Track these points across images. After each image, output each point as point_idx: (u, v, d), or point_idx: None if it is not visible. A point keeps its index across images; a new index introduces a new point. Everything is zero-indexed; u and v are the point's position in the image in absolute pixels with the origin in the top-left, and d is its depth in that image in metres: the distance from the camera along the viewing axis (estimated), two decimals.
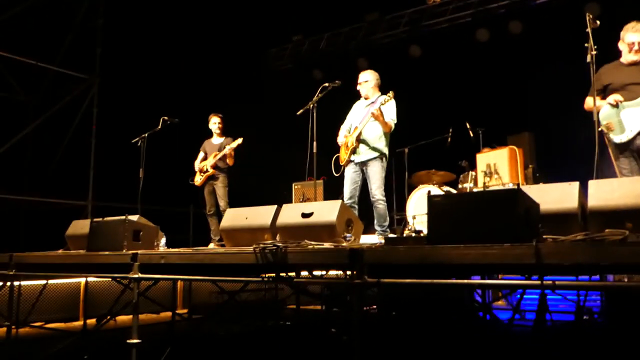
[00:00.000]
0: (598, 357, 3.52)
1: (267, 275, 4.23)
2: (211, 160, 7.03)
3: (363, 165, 5.54)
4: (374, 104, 5.50)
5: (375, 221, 5.45)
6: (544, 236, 3.00)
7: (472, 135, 7.44)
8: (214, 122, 7.23)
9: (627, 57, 4.63)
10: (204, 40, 9.45)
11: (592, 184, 3.19)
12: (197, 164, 7.21)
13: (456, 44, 8.89)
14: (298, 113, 5.63)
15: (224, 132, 7.30)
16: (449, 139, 7.51)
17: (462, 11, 8.91)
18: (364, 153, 5.52)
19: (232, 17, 9.60)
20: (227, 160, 7.00)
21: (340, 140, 5.70)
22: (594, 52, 4.24)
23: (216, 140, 7.26)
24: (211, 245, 6.83)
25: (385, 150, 5.55)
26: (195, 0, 9.10)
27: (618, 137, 4.50)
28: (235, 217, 4.64)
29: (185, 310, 7.37)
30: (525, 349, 4.05)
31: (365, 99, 5.75)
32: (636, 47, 4.55)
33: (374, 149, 5.48)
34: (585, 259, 2.67)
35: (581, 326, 4.71)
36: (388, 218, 5.49)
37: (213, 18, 9.43)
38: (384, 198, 5.44)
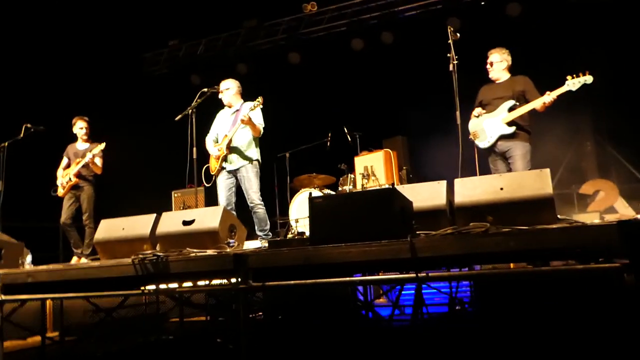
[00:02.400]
0: (471, 343, 3.80)
1: (146, 288, 4.09)
2: (74, 168, 6.54)
3: (236, 172, 5.54)
4: (240, 111, 5.52)
5: (256, 226, 5.47)
6: (418, 232, 3.20)
7: (350, 139, 7.71)
8: (80, 127, 6.72)
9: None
10: (73, 43, 8.89)
11: (458, 182, 3.46)
12: (59, 172, 6.70)
13: (333, 51, 9.18)
14: (176, 119, 5.53)
15: (91, 137, 6.83)
16: (329, 143, 7.72)
17: (338, 20, 9.23)
18: (236, 161, 5.52)
19: (106, 20, 9.14)
20: (93, 168, 6.57)
21: (213, 151, 5.63)
22: (455, 62, 4.63)
23: (81, 145, 6.77)
24: (74, 260, 6.42)
25: (257, 156, 5.60)
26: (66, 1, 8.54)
27: (482, 143, 5.24)
28: (110, 228, 4.42)
29: (56, 333, 6.84)
30: (404, 343, 4.26)
31: (229, 107, 5.75)
32: (488, 67, 5.37)
33: (246, 156, 5.51)
34: (453, 251, 2.89)
35: (454, 316, 5.03)
36: (268, 222, 5.53)
37: (85, 20, 8.91)
38: (262, 202, 5.48)
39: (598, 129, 7.69)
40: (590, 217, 5.99)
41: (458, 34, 4.85)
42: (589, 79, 4.76)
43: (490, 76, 5.38)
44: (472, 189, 3.38)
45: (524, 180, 3.28)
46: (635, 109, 7.02)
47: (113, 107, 9.22)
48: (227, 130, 5.60)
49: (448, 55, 4.72)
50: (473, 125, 5.30)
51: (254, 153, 5.56)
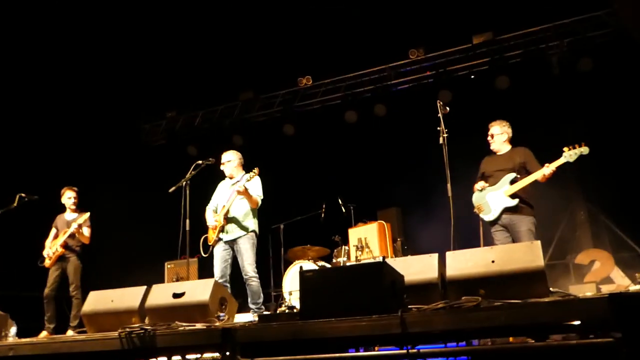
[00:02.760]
0: None
1: None
2: (61, 239, 6.52)
3: (233, 243, 5.53)
4: (239, 182, 5.59)
5: (250, 299, 5.41)
6: (410, 306, 3.18)
7: (344, 210, 7.75)
8: (69, 197, 6.75)
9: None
10: (71, 112, 9.08)
11: (449, 255, 3.47)
12: (48, 243, 6.67)
13: (327, 124, 9.37)
14: (170, 190, 5.58)
15: (84, 207, 6.85)
16: (323, 215, 7.74)
17: (332, 94, 9.49)
18: (233, 231, 5.53)
19: (106, 90, 9.38)
20: (80, 238, 6.54)
21: (210, 222, 5.66)
22: (445, 135, 4.75)
23: (69, 215, 6.79)
24: (42, 334, 6.26)
25: (255, 227, 5.60)
26: (63, 69, 8.78)
27: (487, 217, 5.31)
28: (99, 299, 4.37)
29: None
30: None
31: (230, 178, 5.82)
32: (489, 139, 5.49)
33: (243, 226, 5.52)
34: (445, 325, 2.86)
35: None
36: (262, 295, 5.46)
37: (84, 89, 9.14)
38: (257, 275, 5.44)
39: (590, 198, 7.75)
40: (587, 289, 5.95)
41: (448, 108, 5.01)
42: (585, 150, 4.92)
43: (491, 148, 5.51)
44: (463, 262, 3.38)
45: (515, 253, 3.30)
46: (626, 178, 7.12)
47: (110, 176, 9.29)
48: (225, 200, 5.64)
49: (438, 128, 4.85)
50: (477, 198, 5.41)
51: (252, 224, 5.58)
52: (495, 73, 8.22)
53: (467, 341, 3.98)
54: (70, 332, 6.20)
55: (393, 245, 7.33)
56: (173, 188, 5.58)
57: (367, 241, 7.10)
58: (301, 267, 6.89)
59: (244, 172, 5.81)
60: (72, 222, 6.57)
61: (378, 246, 7.05)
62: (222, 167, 5.82)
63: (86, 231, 6.55)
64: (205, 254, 5.63)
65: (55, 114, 8.91)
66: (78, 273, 6.53)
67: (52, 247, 6.58)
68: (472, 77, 8.47)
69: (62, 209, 6.88)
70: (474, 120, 7.59)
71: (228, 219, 5.52)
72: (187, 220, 5.56)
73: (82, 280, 6.53)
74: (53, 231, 6.79)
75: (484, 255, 3.35)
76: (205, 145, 9.92)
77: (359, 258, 6.97)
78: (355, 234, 7.37)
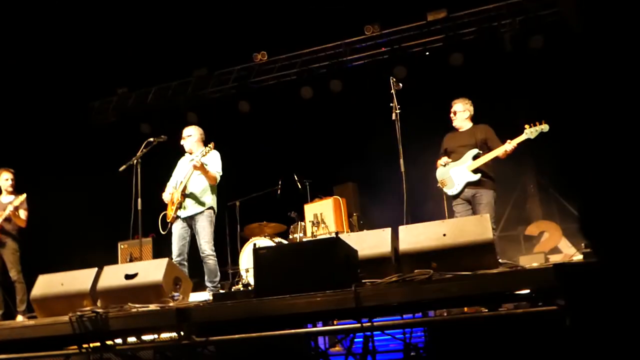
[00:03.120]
0: None
1: (89, 345, 3.91)
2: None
3: (191, 220, 5.45)
4: (195, 157, 5.50)
5: (206, 277, 5.36)
6: (364, 280, 3.22)
7: (300, 186, 7.74)
8: (5, 179, 6.54)
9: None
10: (11, 88, 8.69)
11: (402, 229, 3.52)
12: None
13: (283, 100, 9.27)
14: (120, 169, 5.43)
15: (17, 190, 6.62)
16: (279, 191, 7.70)
17: (288, 70, 9.37)
18: (190, 207, 5.44)
19: (48, 66, 8.99)
20: (16, 221, 6.35)
21: (166, 197, 5.57)
22: (398, 111, 4.79)
23: (5, 198, 6.56)
24: None
25: (213, 204, 5.53)
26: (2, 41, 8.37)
27: (450, 191, 5.53)
28: (48, 283, 4.25)
29: None
30: None
31: (190, 153, 5.73)
32: (452, 115, 5.69)
33: (201, 202, 5.44)
34: (399, 298, 2.92)
35: None
36: (219, 273, 5.43)
37: (25, 64, 8.74)
38: (214, 253, 5.39)
39: (540, 172, 7.98)
40: (536, 259, 6.15)
41: (400, 84, 5.04)
42: (545, 127, 5.21)
43: (453, 124, 5.70)
44: (416, 236, 3.44)
45: (465, 226, 3.37)
46: (573, 152, 7.32)
47: (57, 157, 9.00)
48: (183, 176, 5.54)
49: (391, 104, 4.88)
50: (440, 173, 5.61)
51: (209, 200, 5.50)
52: (449, 50, 8.28)
53: (423, 312, 4.09)
54: (20, 318, 6.04)
55: (349, 221, 7.39)
56: (123, 167, 5.44)
57: (323, 217, 7.13)
58: (255, 245, 6.87)
59: (203, 147, 5.73)
60: (7, 205, 6.36)
61: (334, 222, 7.09)
62: (182, 142, 5.71)
63: (22, 214, 6.36)
64: (163, 231, 5.54)
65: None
66: (16, 257, 6.36)
67: None
68: (427, 53, 8.52)
69: None
70: (429, 97, 7.70)
71: (185, 195, 5.43)
72: (139, 199, 5.45)
73: (22, 264, 6.35)
74: None
75: (435, 229, 3.41)
76: (159, 122, 9.69)
77: (315, 234, 7.00)
78: (311, 209, 7.39)
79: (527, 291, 2.98)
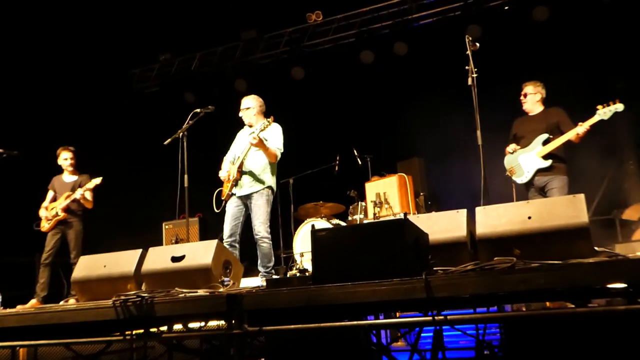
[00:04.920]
0: None
1: (132, 332, 4.04)
2: (62, 202, 6.65)
3: (246, 199, 5.51)
4: (254, 132, 5.52)
5: (259, 261, 5.43)
6: (435, 268, 3.15)
7: (360, 162, 7.71)
8: (65, 158, 6.85)
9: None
10: (51, 59, 9.01)
11: (480, 211, 3.42)
12: (45, 206, 6.79)
13: (340, 65, 9.22)
14: (165, 143, 5.53)
15: (78, 168, 6.95)
16: (337, 168, 7.71)
17: (345, 31, 9.29)
18: (247, 185, 5.50)
19: (89, 33, 9.26)
20: (83, 203, 6.67)
21: (222, 174, 5.64)
22: (474, 75, 4.62)
23: (68, 177, 6.90)
24: (30, 303, 6.35)
25: (271, 182, 5.57)
26: (43, 13, 8.68)
27: (519, 179, 5.69)
28: (90, 265, 4.41)
29: None
30: None
31: (249, 127, 5.77)
32: (522, 98, 5.83)
33: (259, 180, 5.49)
34: (476, 290, 2.83)
35: None
36: (273, 258, 5.48)
37: (64, 34, 9.03)
38: (269, 235, 5.44)
39: None
40: (635, 248, 5.90)
41: (478, 44, 4.86)
42: (619, 106, 5.20)
43: (524, 108, 5.84)
44: (496, 219, 3.33)
45: (555, 208, 3.23)
46: None
47: (97, 129, 9.31)
48: (241, 150, 5.62)
49: (466, 68, 4.72)
50: (509, 161, 5.79)
51: (268, 178, 5.55)
52: (533, 2, 7.94)
53: (499, 306, 3.99)
54: (72, 301, 6.33)
55: (415, 201, 7.30)
56: (168, 140, 5.54)
57: (386, 196, 7.08)
58: (313, 226, 6.89)
59: (264, 120, 5.76)
60: (74, 185, 6.73)
61: (399, 202, 7.02)
62: (240, 114, 5.78)
63: (88, 195, 6.70)
64: (217, 209, 5.63)
65: (33, 59, 8.85)
66: (79, 239, 6.69)
67: (50, 210, 6.69)
68: (506, 8, 8.21)
69: (57, 169, 6.97)
70: (507, 59, 7.44)
71: (242, 172, 5.50)
72: (186, 176, 5.54)
73: (82, 246, 6.67)
74: (50, 194, 6.91)
75: (519, 211, 3.29)
76: (204, 91, 9.86)
77: (377, 215, 6.96)
78: (373, 188, 7.34)
79: (623, 285, 2.84)
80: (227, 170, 5.62)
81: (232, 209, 5.54)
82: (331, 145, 8.01)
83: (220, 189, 5.69)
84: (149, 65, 10.67)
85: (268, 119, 5.41)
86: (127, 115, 10.06)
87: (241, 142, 5.76)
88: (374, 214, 7.02)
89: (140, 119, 10.02)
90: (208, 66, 10.29)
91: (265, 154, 5.48)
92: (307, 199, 7.73)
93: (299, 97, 9.39)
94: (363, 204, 7.39)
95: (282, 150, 5.57)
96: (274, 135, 5.55)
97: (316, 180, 7.88)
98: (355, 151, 7.72)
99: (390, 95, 8.67)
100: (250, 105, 5.75)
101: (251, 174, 5.50)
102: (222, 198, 5.61)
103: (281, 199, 8.07)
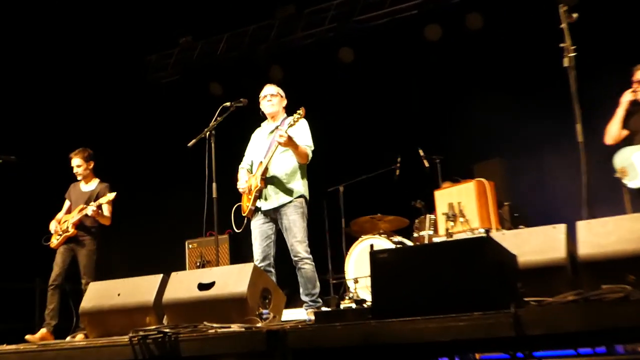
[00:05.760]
0: None
1: None
2: (75, 216, 6.83)
3: (275, 213, 5.52)
4: (279, 129, 5.52)
5: (302, 288, 5.44)
6: (526, 298, 3.12)
7: (427, 165, 7.66)
8: (76, 165, 7.04)
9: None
10: (50, 46, 9.28)
11: (582, 226, 3.36)
12: (58, 219, 7.00)
13: (400, 44, 9.17)
14: (189, 145, 5.61)
15: (97, 174, 7.17)
16: (398, 172, 7.69)
17: (406, 2, 9.26)
18: (274, 197, 5.51)
19: (92, 16, 9.50)
20: (100, 220, 6.86)
21: (241, 186, 5.67)
22: (572, 54, 4.52)
23: (85, 186, 7.14)
24: (40, 334, 6.48)
25: (304, 190, 5.58)
26: None
27: (632, 183, 5.59)
28: (102, 293, 4.51)
29: None
30: None
31: (272, 119, 5.79)
32: (636, 86, 5.75)
33: (288, 190, 5.50)
34: (578, 326, 2.79)
35: None
36: (318, 283, 5.48)
37: (63, 15, 9.29)
38: (310, 256, 5.44)
39: None
40: None
41: (575, 15, 4.76)
42: None
43: (638, 97, 5.71)
44: (604, 236, 3.28)
45: None
46: None
47: (106, 127, 9.53)
48: (262, 154, 5.64)
49: (561, 45, 4.64)
50: (620, 160, 5.71)
51: (300, 186, 5.56)
52: None
53: (608, 347, 3.91)
54: (80, 336, 6.48)
55: (498, 213, 7.20)
56: (193, 141, 5.61)
57: (461, 207, 7.00)
58: (372, 246, 6.90)
59: (285, 115, 5.79)
60: (90, 196, 6.92)
61: (477, 214, 6.93)
62: (262, 105, 5.78)
63: (106, 210, 6.86)
64: (238, 229, 5.68)
65: (29, 48, 9.12)
66: (92, 260, 6.84)
67: (62, 223, 6.91)
68: None
69: (67, 177, 7.20)
70: (612, 34, 7.28)
71: (267, 181, 5.51)
72: (214, 185, 5.60)
73: (95, 268, 6.83)
74: (66, 203, 7.16)
75: (633, 226, 3.22)
76: (233, 81, 9.96)
77: (450, 231, 6.89)
78: (445, 197, 7.26)
79: None
80: (246, 180, 5.65)
81: (260, 226, 5.57)
82: (390, 145, 8.03)
83: (238, 204, 5.72)
84: (166, 50, 10.87)
85: (299, 111, 5.40)
86: (142, 110, 10.27)
87: (259, 144, 5.79)
88: (446, 230, 6.95)
89: (158, 115, 10.22)
90: (237, 50, 10.43)
91: (295, 154, 5.49)
92: (361, 211, 7.74)
93: (349, 85, 9.40)
94: (432, 217, 7.34)
95: (312, 148, 5.58)
96: (303, 131, 5.56)
97: (373, 188, 7.88)
98: (421, 151, 7.69)
99: (463, 81, 8.57)
100: (277, 93, 5.80)
101: (279, 182, 5.51)
102: (244, 214, 5.63)
103: (329, 211, 8.09)
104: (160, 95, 10.73)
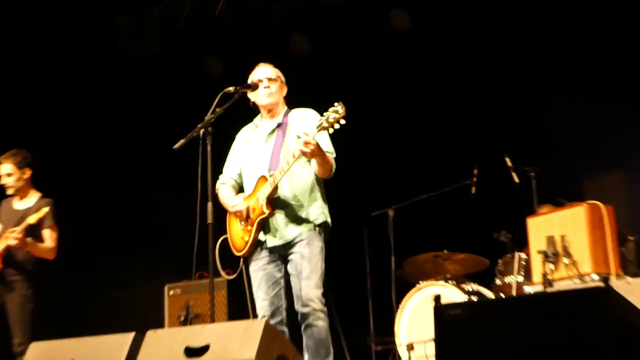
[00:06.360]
0: None
1: None
2: (1, 244, 6.87)
3: (285, 249, 5.56)
4: (288, 126, 5.60)
5: (308, 356, 5.42)
6: None
7: (516, 180, 7.64)
8: (5, 173, 7.06)
9: None
10: None
11: None
12: None
13: (475, 8, 9.18)
14: (175, 147, 5.63)
15: (37, 187, 7.24)
16: (474, 189, 7.71)
17: None
18: (286, 227, 5.53)
19: None
20: (33, 251, 6.89)
21: (236, 206, 5.67)
22: None
23: (20, 204, 7.21)
24: None
25: (326, 215, 5.63)
26: None
27: None
28: (49, 358, 4.54)
29: None
30: None
31: (269, 114, 5.80)
32: None
33: (304, 215, 5.53)
34: None
35: None
36: (331, 346, 5.48)
37: None
38: (325, 307, 5.46)
39: None
40: None
41: None
42: None
43: None
44: None
45: None
46: None
47: (54, 117, 9.63)
48: (264, 165, 5.65)
49: None
50: None
51: (319, 209, 5.61)
52: None
53: None
54: None
55: (620, 251, 7.15)
56: (181, 142, 5.60)
57: (566, 242, 6.93)
58: (436, 298, 6.88)
59: (286, 109, 5.84)
60: (21, 216, 6.94)
61: (589, 252, 6.87)
62: (257, 94, 5.76)
63: (48, 236, 6.93)
64: (231, 274, 5.74)
65: None
66: (26, 311, 6.89)
67: None
68: None
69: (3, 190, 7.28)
70: None
71: (276, 205, 5.56)
72: (209, 205, 5.60)
73: (32, 322, 6.85)
74: None
75: None
76: (237, 55, 10.00)
77: (550, 277, 6.85)
78: (542, 227, 7.20)
79: None
80: (240, 203, 5.65)
81: (264, 268, 5.60)
82: (463, 150, 8.04)
83: (224, 236, 5.75)
84: (143, 9, 10.94)
85: (337, 108, 5.22)
86: (108, 97, 10.32)
87: (255, 150, 5.80)
88: (544, 276, 6.91)
89: (131, 103, 10.26)
90: (243, 11, 10.47)
91: (318, 166, 5.47)
92: (420, 245, 7.78)
93: (402, 64, 9.41)
94: (523, 255, 7.32)
95: (335, 155, 5.59)
96: (324, 135, 5.46)
97: (437, 213, 7.96)
98: (508, 160, 7.67)
99: (569, 62, 8.56)
100: (277, 76, 5.81)
101: (292, 206, 5.53)
102: (239, 253, 5.68)
103: (373, 244, 8.10)
104: (134, 75, 10.75)
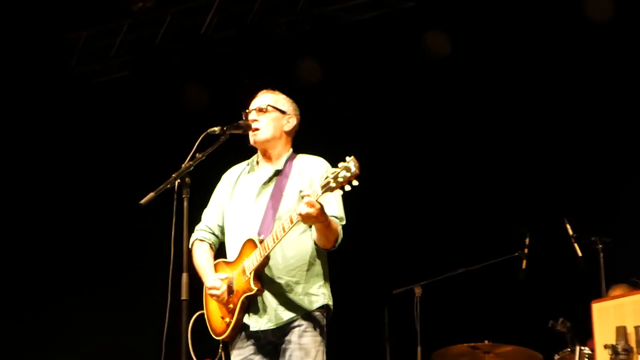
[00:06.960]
0: None
1: None
2: None
3: (278, 336, 5.51)
4: (287, 178, 5.58)
5: None
6: None
7: (579, 254, 7.63)
8: None
9: None
10: None
11: None
12: None
13: (526, 24, 9.25)
14: (142, 202, 5.58)
15: None
16: (525, 263, 7.66)
17: None
18: (278, 308, 5.47)
19: None
20: None
21: (212, 282, 5.59)
22: None
23: None
24: None
25: (327, 296, 5.58)
26: None
27: None
28: None
29: None
30: None
31: (265, 158, 5.76)
32: None
33: (301, 295, 5.48)
34: None
35: None
36: None
37: None
38: None
39: None
40: None
41: None
42: None
43: None
44: None
45: None
46: None
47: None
48: (253, 225, 5.61)
49: None
50: None
51: (320, 289, 5.58)
52: None
53: None
54: None
55: None
56: (150, 195, 5.57)
57: None
58: None
59: (291, 152, 5.77)
60: None
61: None
62: (253, 127, 5.67)
63: None
64: None
65: None
66: None
67: None
68: None
69: None
70: None
71: (266, 281, 5.53)
72: (185, 276, 5.54)
73: None
74: None
75: None
76: (227, 82, 10.04)
77: None
78: (612, 314, 7.19)
79: None
80: (219, 286, 5.55)
81: (249, 358, 5.60)
82: (511, 213, 8.03)
83: (200, 312, 5.74)
84: (106, 24, 10.99)
85: (349, 163, 5.07)
86: (63, 130, 10.35)
87: (244, 201, 5.75)
88: None
89: (90, 140, 10.28)
90: (236, 26, 10.53)
91: (319, 234, 5.40)
92: (453, 332, 7.78)
93: (436, 101, 9.48)
94: (586, 350, 7.29)
95: (344, 223, 5.51)
96: (333, 196, 5.43)
97: (476, 292, 7.96)
98: (568, 227, 7.67)
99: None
100: (266, 105, 5.72)
101: (287, 283, 5.50)
102: (219, 337, 5.66)
103: (395, 329, 8.08)
104: (94, 104, 10.82)
